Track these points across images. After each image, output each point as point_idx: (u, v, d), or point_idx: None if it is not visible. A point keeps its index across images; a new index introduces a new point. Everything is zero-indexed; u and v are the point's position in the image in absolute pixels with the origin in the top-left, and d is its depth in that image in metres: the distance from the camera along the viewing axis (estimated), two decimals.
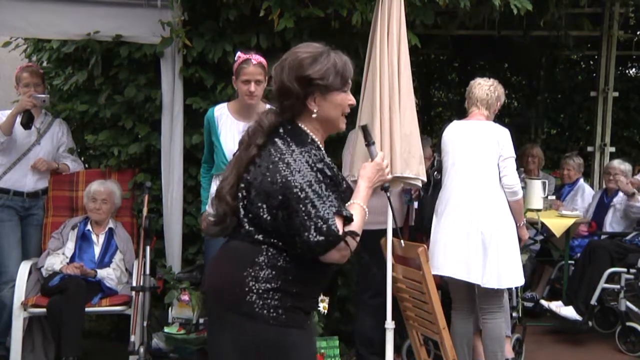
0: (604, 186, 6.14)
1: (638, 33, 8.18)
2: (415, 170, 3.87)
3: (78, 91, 5.05)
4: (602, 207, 5.94)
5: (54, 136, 4.73)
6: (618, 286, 5.15)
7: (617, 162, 5.93)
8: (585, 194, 6.24)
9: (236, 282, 2.14)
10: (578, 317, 5.08)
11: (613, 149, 6.96)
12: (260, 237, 2.14)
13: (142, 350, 4.05)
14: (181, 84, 4.59)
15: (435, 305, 3.77)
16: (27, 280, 4.33)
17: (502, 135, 4.07)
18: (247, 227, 2.17)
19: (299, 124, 2.20)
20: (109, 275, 4.39)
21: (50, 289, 4.21)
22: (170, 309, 4.39)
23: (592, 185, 6.76)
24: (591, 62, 9.02)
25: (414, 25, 4.49)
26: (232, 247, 2.24)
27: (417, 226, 4.51)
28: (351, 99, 2.20)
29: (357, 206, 2.13)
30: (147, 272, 4.18)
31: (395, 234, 3.86)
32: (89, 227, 4.56)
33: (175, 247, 4.66)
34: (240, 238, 2.19)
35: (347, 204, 2.15)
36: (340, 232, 2.03)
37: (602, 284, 5.11)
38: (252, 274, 2.12)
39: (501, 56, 8.86)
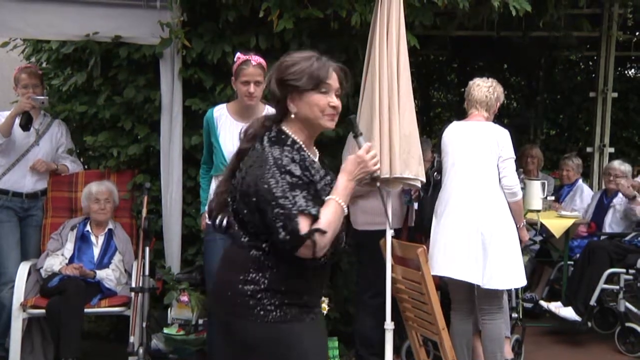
0: (604, 187, 6.15)
1: (637, 34, 8.19)
2: (415, 171, 3.87)
3: (77, 92, 5.05)
4: (601, 207, 5.94)
5: (53, 137, 4.73)
6: (617, 287, 5.15)
7: (617, 163, 5.93)
8: (584, 195, 6.24)
9: (229, 286, 2.25)
10: (577, 318, 5.08)
11: (612, 150, 6.97)
12: (246, 239, 2.24)
13: (141, 351, 4.04)
14: (180, 85, 4.58)
15: (435, 305, 3.77)
16: (26, 281, 4.33)
17: (502, 136, 4.07)
18: (235, 229, 2.28)
19: (283, 127, 2.30)
20: (108, 276, 4.39)
21: (50, 289, 4.21)
22: (169, 309, 4.39)
23: (591, 186, 6.77)
24: (590, 63, 9.03)
25: (413, 26, 4.50)
26: (227, 250, 2.38)
27: (417, 227, 4.51)
28: (332, 101, 2.25)
29: (331, 202, 2.17)
30: (147, 273, 4.18)
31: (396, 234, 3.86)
32: (88, 227, 4.56)
33: (175, 248, 4.66)
34: (232, 241, 2.31)
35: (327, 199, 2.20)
36: (304, 231, 2.09)
37: (602, 285, 5.11)
38: (241, 276, 2.21)
39: (500, 57, 8.86)
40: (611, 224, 5.81)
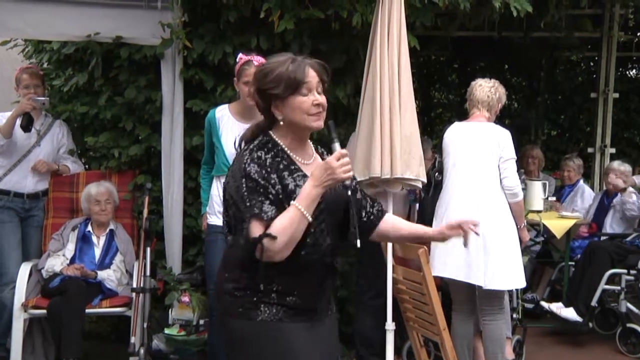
0: (604, 187, 6.14)
1: (638, 34, 8.18)
2: (416, 171, 3.87)
3: (78, 92, 5.05)
4: (602, 208, 5.94)
5: (54, 138, 4.73)
6: (618, 287, 5.15)
7: (617, 164, 5.93)
8: (585, 195, 6.24)
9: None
10: (578, 319, 5.08)
11: (613, 150, 6.96)
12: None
13: (142, 351, 4.05)
14: (181, 85, 4.59)
15: (436, 306, 3.77)
16: (28, 281, 4.33)
17: (503, 137, 4.07)
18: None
19: (270, 132, 2.31)
20: (109, 276, 4.39)
21: (51, 290, 4.21)
22: (170, 310, 4.39)
23: (592, 187, 6.76)
24: (591, 64, 9.02)
25: (414, 27, 4.50)
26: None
27: None
28: (315, 99, 2.23)
29: (291, 207, 2.15)
30: (148, 273, 4.19)
31: None
32: (89, 228, 4.56)
33: (176, 248, 4.66)
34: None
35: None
36: (254, 235, 2.12)
37: (603, 285, 5.11)
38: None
39: (501, 57, 8.86)
40: (612, 224, 5.80)
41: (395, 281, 4.00)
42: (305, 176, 2.24)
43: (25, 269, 4.37)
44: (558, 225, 5.34)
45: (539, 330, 5.53)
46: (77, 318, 4.12)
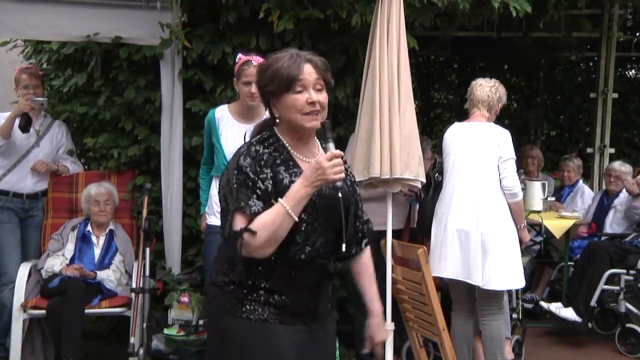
0: (604, 187, 6.15)
1: (637, 34, 8.19)
2: (415, 171, 3.87)
3: (77, 93, 5.06)
4: (602, 208, 5.94)
5: (53, 138, 4.73)
6: (618, 287, 5.14)
7: (618, 164, 5.94)
8: (585, 196, 6.24)
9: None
10: (578, 319, 5.08)
11: (612, 151, 6.96)
12: (225, 232, 2.23)
13: (141, 351, 4.05)
14: (181, 85, 4.58)
15: (435, 306, 3.77)
16: (27, 281, 4.33)
17: (502, 137, 4.07)
18: (221, 224, 2.28)
19: (274, 128, 2.28)
20: (108, 277, 4.39)
21: (50, 290, 4.21)
22: (169, 310, 4.39)
23: (591, 187, 6.76)
24: (591, 64, 9.02)
25: (413, 27, 4.50)
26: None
27: (418, 227, 4.51)
28: (309, 97, 2.16)
29: (276, 205, 2.11)
30: (147, 273, 4.19)
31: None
32: (89, 228, 4.56)
33: (175, 248, 4.66)
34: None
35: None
36: (235, 229, 2.10)
37: (602, 286, 5.11)
38: (217, 267, 2.28)
39: (501, 57, 8.85)
40: (612, 224, 5.81)
41: (394, 281, 4.00)
42: (283, 176, 2.20)
43: (24, 269, 4.37)
44: (557, 226, 5.34)
45: (539, 330, 5.53)
46: (77, 318, 4.12)
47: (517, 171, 4.15)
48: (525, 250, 4.69)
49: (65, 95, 5.11)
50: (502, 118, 8.38)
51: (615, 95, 6.92)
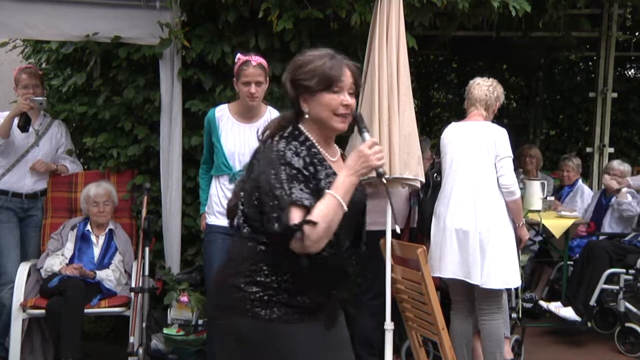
0: (603, 187, 6.15)
1: (636, 34, 8.19)
2: (414, 171, 3.87)
3: (77, 92, 5.06)
4: (600, 207, 5.94)
5: (52, 137, 4.73)
6: (617, 287, 5.15)
7: (616, 163, 5.94)
8: (585, 195, 6.24)
9: (226, 278, 2.26)
10: (577, 318, 5.08)
11: (612, 150, 6.96)
12: (245, 231, 2.24)
13: (141, 351, 4.05)
14: (180, 85, 4.58)
15: (435, 306, 3.77)
16: (26, 281, 4.33)
17: (499, 135, 4.07)
18: (240, 222, 2.26)
19: (299, 125, 2.28)
20: (108, 276, 4.39)
21: (50, 290, 4.21)
22: (169, 310, 4.39)
23: (590, 186, 6.76)
24: (590, 63, 9.03)
25: (412, 27, 4.50)
26: (229, 247, 2.39)
27: (418, 227, 4.51)
28: (344, 99, 2.22)
29: (327, 195, 2.12)
30: (146, 273, 4.19)
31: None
32: (88, 227, 4.55)
33: (174, 248, 4.66)
34: (236, 235, 2.31)
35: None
36: (294, 222, 2.06)
37: (601, 285, 5.11)
38: (236, 269, 2.23)
39: (500, 57, 8.86)
40: (610, 223, 5.81)
41: (394, 281, 3.99)
42: (334, 174, 2.22)
43: (23, 269, 4.37)
44: (557, 225, 5.34)
45: (538, 329, 5.53)
46: (76, 318, 4.12)
47: (516, 170, 4.15)
48: (524, 249, 4.69)
49: (65, 94, 5.11)
50: (502, 117, 8.42)
51: (615, 95, 6.92)
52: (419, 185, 4.01)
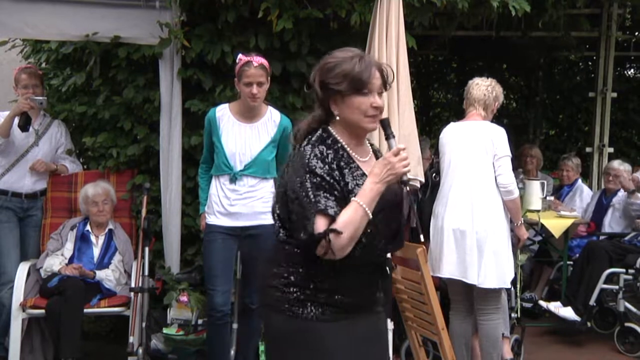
0: (603, 186, 6.15)
1: (636, 34, 8.19)
2: (414, 171, 3.88)
3: (76, 92, 5.06)
4: (600, 207, 5.95)
5: (52, 137, 4.73)
6: (617, 287, 5.15)
7: (617, 163, 5.94)
8: (584, 195, 6.25)
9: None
10: (577, 318, 5.08)
11: (611, 150, 6.97)
12: (282, 234, 2.29)
13: (140, 351, 4.05)
14: (180, 85, 4.58)
15: (434, 306, 3.77)
16: (26, 281, 4.33)
17: (497, 135, 4.07)
18: (277, 227, 2.31)
19: (329, 127, 2.30)
20: (107, 276, 4.38)
21: (49, 290, 4.20)
22: (168, 310, 4.39)
23: (590, 186, 6.76)
24: (589, 63, 9.04)
25: (412, 26, 4.50)
26: (272, 245, 2.42)
27: (417, 227, 4.51)
28: (374, 101, 2.23)
29: (352, 203, 2.15)
30: (146, 273, 4.19)
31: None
32: (88, 227, 4.55)
33: (174, 248, 4.65)
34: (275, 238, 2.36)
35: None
36: (319, 231, 2.10)
37: (601, 285, 5.11)
38: (274, 270, 2.28)
39: (500, 57, 8.87)
40: (610, 223, 5.81)
41: (393, 281, 3.99)
42: (364, 175, 2.24)
43: (23, 269, 4.37)
44: (556, 225, 5.34)
45: (538, 329, 5.53)
46: (76, 318, 4.11)
47: (516, 170, 4.15)
48: (523, 248, 4.69)
49: (64, 94, 5.11)
50: (501, 117, 8.42)
51: (614, 95, 6.93)
52: (418, 185, 4.02)
